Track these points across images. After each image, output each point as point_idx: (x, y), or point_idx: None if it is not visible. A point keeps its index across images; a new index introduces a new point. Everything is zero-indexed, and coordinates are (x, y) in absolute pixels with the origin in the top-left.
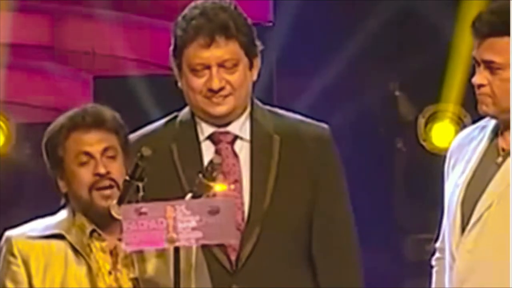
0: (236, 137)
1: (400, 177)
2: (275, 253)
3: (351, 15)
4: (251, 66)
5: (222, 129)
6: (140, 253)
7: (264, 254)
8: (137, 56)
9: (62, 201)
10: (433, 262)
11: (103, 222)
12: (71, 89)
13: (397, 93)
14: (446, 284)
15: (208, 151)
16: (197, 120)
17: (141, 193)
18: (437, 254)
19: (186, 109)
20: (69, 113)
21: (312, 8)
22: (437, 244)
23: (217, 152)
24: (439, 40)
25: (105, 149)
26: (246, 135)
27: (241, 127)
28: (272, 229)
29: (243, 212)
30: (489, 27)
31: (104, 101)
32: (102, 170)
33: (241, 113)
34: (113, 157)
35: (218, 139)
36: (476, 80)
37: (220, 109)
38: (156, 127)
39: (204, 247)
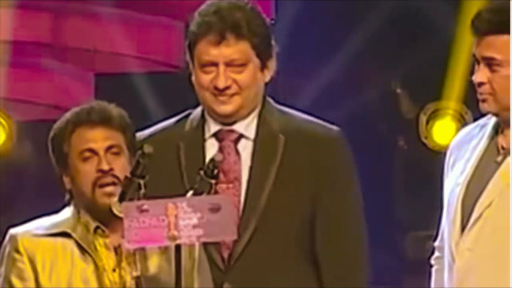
0: (240, 136)
1: (401, 174)
2: (268, 253)
3: (352, 13)
4: (263, 67)
5: (227, 127)
6: (143, 250)
7: (257, 253)
8: (138, 54)
9: (67, 198)
10: (433, 261)
11: (106, 219)
12: (72, 86)
13: (398, 90)
14: (446, 283)
15: (212, 149)
16: (206, 117)
17: (142, 190)
18: (436, 253)
19: (199, 107)
20: (76, 109)
21: (313, 6)
22: (436, 243)
23: (220, 149)
24: (440, 37)
25: (110, 147)
26: (251, 134)
27: (247, 126)
28: (267, 228)
29: (239, 210)
30: (488, 25)
31: (105, 99)
32: (105, 167)
33: (249, 113)
34: (117, 154)
35: (223, 137)
36: (476, 78)
37: (226, 108)
38: (166, 125)
39: (203, 244)
